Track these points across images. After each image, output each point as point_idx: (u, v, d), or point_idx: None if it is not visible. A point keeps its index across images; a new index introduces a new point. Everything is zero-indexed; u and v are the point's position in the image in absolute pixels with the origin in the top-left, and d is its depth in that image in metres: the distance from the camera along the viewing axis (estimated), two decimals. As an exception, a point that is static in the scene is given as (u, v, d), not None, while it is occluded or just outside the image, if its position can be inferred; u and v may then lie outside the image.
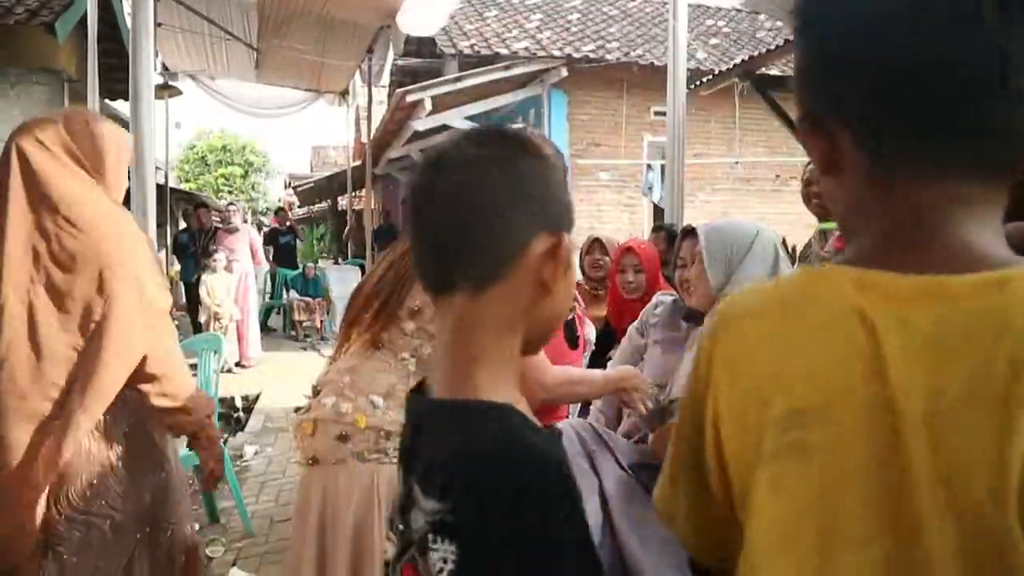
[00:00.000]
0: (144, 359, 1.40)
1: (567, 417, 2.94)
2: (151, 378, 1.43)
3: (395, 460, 1.39)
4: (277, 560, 3.13)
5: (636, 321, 2.69)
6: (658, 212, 9.92)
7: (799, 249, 3.96)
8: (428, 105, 8.25)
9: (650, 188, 9.39)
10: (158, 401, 1.45)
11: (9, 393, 1.29)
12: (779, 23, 6.56)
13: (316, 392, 1.57)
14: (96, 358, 1.32)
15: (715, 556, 0.69)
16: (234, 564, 3.09)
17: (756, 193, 10.45)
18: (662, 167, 9.21)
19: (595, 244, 3.67)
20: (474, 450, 0.62)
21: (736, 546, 0.59)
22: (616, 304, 3.18)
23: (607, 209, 9.95)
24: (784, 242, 2.18)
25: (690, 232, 2.42)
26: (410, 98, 8.19)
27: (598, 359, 2.87)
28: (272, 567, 3.07)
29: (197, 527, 3.45)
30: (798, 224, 9.89)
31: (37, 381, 1.30)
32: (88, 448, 1.42)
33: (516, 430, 0.63)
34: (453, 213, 0.68)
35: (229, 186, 29.89)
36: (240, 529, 3.48)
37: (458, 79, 8.32)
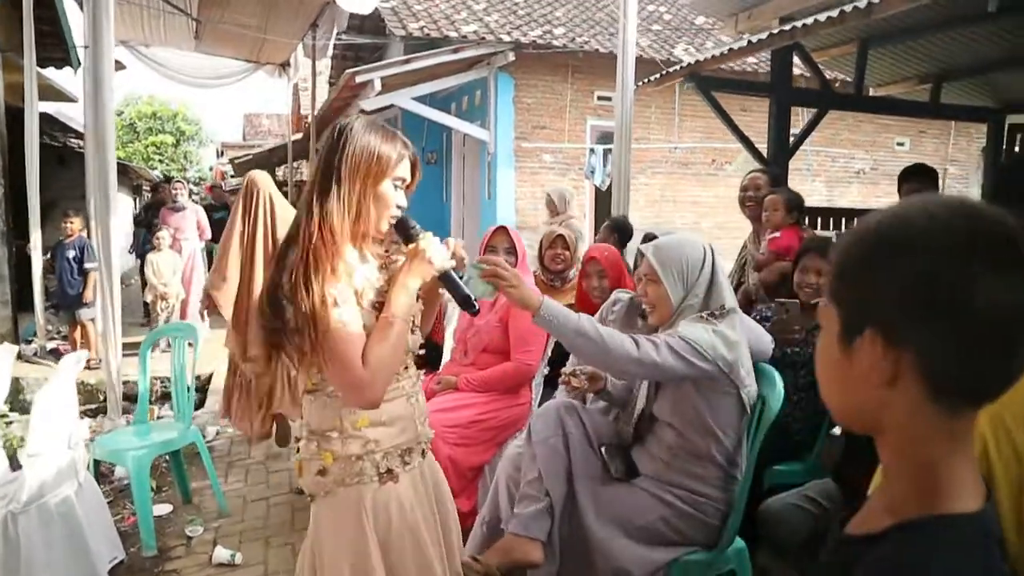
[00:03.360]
0: None
1: (530, 402, 3.23)
2: None
3: (374, 479, 1.56)
4: (256, 538, 3.31)
5: (595, 315, 2.96)
6: (599, 194, 10.23)
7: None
8: (377, 86, 8.30)
9: (592, 171, 9.68)
10: None
11: None
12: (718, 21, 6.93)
13: (298, 440, 1.71)
14: None
15: None
16: (215, 543, 3.25)
17: (693, 176, 10.87)
18: (604, 151, 9.52)
19: (558, 239, 3.89)
20: None
21: None
22: (582, 306, 3.44)
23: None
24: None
25: (652, 238, 2.68)
26: (359, 79, 8.22)
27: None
28: (252, 544, 3.24)
29: (171, 508, 3.62)
30: (731, 207, 10.37)
31: None
32: None
33: None
34: None
35: (160, 155, 28.81)
36: (214, 509, 3.62)
37: (407, 61, 8.37)
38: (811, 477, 2.80)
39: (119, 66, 8.86)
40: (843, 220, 6.17)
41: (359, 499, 1.56)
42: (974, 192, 12.04)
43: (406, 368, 1.67)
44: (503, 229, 3.12)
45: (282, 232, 3.39)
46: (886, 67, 6.14)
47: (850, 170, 11.60)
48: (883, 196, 11.25)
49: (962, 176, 12.09)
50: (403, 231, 1.64)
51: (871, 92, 6.40)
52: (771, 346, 2.51)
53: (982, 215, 0.70)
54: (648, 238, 2.71)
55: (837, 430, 3.42)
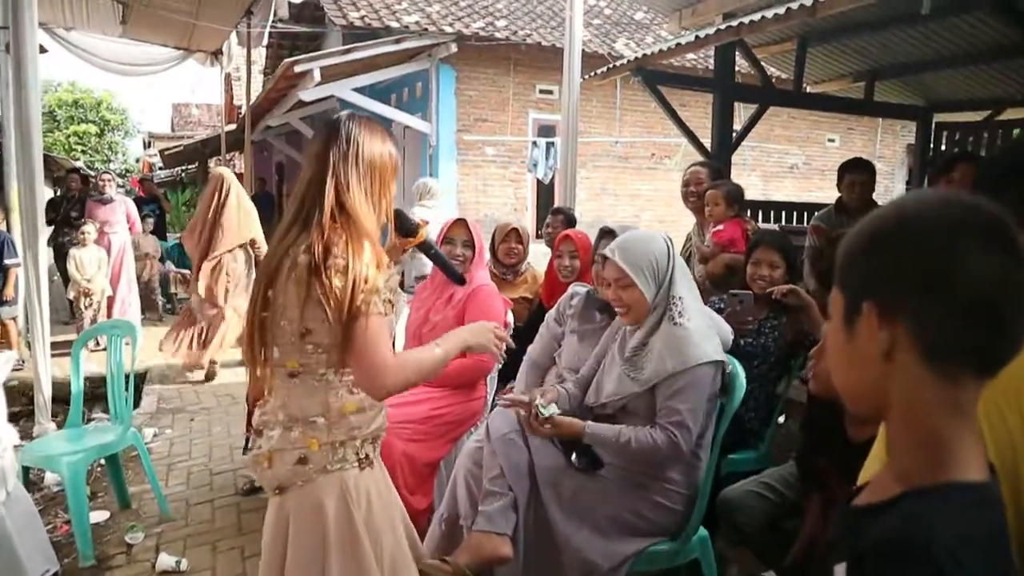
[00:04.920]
0: None
1: (485, 396, 3.19)
2: None
3: (354, 464, 1.56)
4: (203, 543, 3.18)
5: (552, 310, 2.95)
6: (542, 188, 10.26)
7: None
8: (317, 76, 8.10)
9: (535, 164, 9.69)
10: None
11: None
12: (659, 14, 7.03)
13: (259, 432, 1.65)
14: None
15: None
16: (158, 550, 3.11)
17: (633, 170, 10.99)
18: (547, 144, 9.53)
19: (512, 233, 3.86)
20: None
21: None
22: (551, 286, 3.43)
23: (493, 184, 10.18)
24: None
25: (608, 232, 2.67)
26: (298, 68, 8.00)
27: (529, 334, 3.07)
28: (198, 549, 3.12)
29: (108, 515, 3.45)
30: (671, 200, 10.55)
31: None
32: None
33: None
34: None
35: (83, 145, 27.44)
36: (155, 514, 3.46)
37: (347, 51, 8.19)
38: (763, 464, 2.85)
39: (40, 50, 8.40)
40: (782, 213, 6.34)
41: (342, 483, 1.56)
42: (899, 187, 12.55)
43: None
44: (461, 221, 3.07)
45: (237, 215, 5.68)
46: (823, 65, 6.33)
47: (784, 165, 11.93)
48: (815, 190, 11.61)
49: (888, 172, 12.58)
50: (403, 225, 1.79)
51: (808, 89, 6.59)
52: (731, 336, 2.54)
53: (969, 201, 0.77)
54: (604, 233, 2.69)
55: (782, 419, 3.51)
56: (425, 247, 1.96)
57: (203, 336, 5.79)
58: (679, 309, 2.18)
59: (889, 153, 12.76)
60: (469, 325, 1.83)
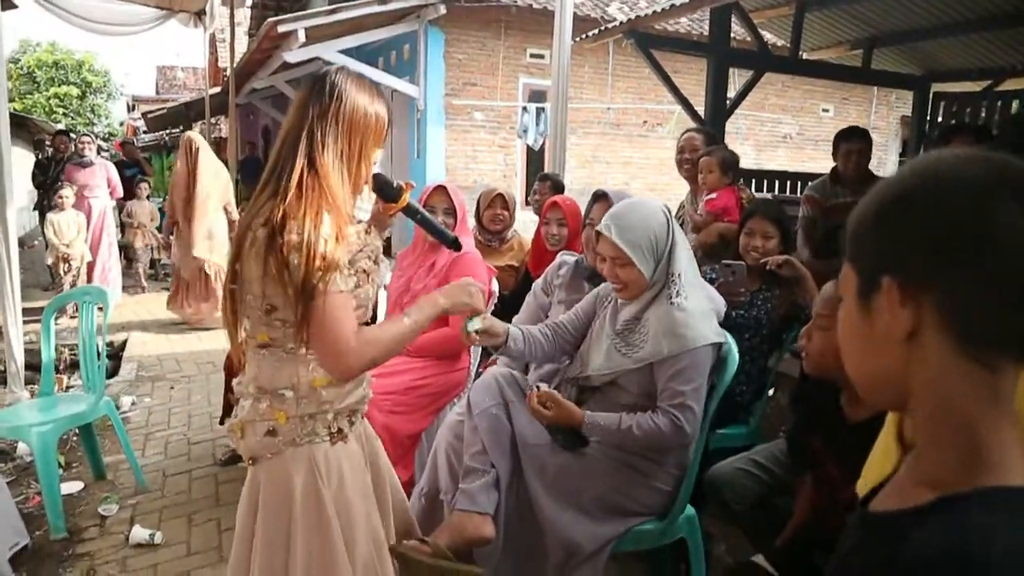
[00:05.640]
0: None
1: (469, 367, 3.11)
2: None
3: (325, 438, 1.51)
4: (178, 515, 3.11)
5: (539, 280, 2.85)
6: (532, 154, 10.10)
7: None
8: (301, 37, 7.87)
9: (525, 130, 9.52)
10: None
11: None
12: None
13: (237, 401, 1.62)
14: None
15: None
16: (132, 522, 3.03)
17: (624, 137, 10.82)
18: (537, 110, 9.36)
19: (497, 199, 3.76)
20: None
21: None
22: (539, 254, 3.33)
23: (481, 150, 10.00)
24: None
25: (602, 196, 2.57)
26: (282, 28, 7.77)
27: (515, 303, 2.97)
28: (174, 522, 3.04)
29: (82, 485, 3.37)
30: (662, 168, 10.42)
31: None
32: None
33: None
34: None
35: (64, 107, 26.85)
36: (131, 484, 3.39)
37: (333, 11, 7.96)
38: (753, 439, 2.79)
39: (8, 4, 8.11)
40: (776, 182, 6.24)
41: (311, 458, 1.51)
42: (892, 158, 12.45)
43: None
44: (441, 188, 2.96)
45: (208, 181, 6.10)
46: (821, 31, 6.18)
47: (777, 134, 11.80)
48: (808, 160, 11.50)
49: (882, 143, 12.46)
50: (383, 190, 1.70)
51: (804, 56, 6.44)
52: (724, 307, 2.45)
53: (1000, 157, 0.66)
54: (597, 196, 2.58)
55: (771, 392, 3.45)
56: (410, 212, 1.84)
57: (195, 290, 6.30)
58: (678, 288, 2.06)
59: (883, 124, 12.63)
60: (443, 287, 1.75)
